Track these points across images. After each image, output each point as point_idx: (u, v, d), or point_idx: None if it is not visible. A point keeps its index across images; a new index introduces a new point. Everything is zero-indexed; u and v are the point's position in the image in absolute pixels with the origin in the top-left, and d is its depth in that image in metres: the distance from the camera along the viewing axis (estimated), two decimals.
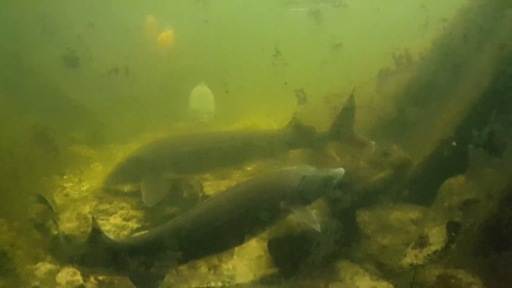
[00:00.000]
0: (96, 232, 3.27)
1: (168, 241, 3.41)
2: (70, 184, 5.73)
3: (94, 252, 3.27)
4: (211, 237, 3.53)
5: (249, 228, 3.66)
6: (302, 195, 3.80)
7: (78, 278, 3.26)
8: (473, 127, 3.77)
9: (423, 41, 5.14)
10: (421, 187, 4.36)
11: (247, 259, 4.44)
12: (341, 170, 4.09)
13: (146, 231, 3.76)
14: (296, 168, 4.16)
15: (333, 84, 5.67)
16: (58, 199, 5.21)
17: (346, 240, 4.20)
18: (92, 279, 3.25)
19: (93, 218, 3.30)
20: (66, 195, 5.32)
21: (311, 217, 3.66)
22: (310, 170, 4.00)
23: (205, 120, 7.69)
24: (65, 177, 6.02)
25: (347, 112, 4.78)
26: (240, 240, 3.71)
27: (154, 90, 8.79)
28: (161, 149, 5.59)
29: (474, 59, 4.28)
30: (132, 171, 5.32)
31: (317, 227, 3.56)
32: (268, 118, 8.07)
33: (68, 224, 4.57)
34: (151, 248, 3.44)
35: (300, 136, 5.27)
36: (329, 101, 5.01)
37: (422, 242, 3.30)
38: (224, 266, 4.17)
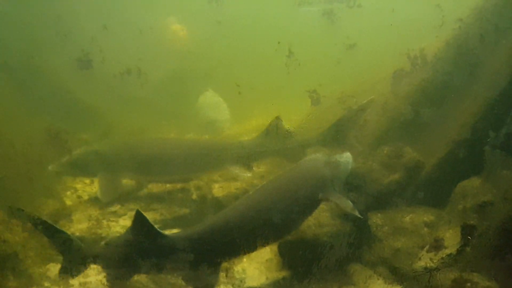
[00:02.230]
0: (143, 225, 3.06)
1: (222, 235, 3.35)
2: (81, 185, 5.77)
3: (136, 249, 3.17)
4: (260, 229, 3.50)
5: (293, 220, 3.69)
6: (333, 182, 3.88)
7: (91, 279, 3.26)
8: (488, 128, 3.70)
9: (435, 41, 5.08)
10: (434, 189, 4.29)
11: (257, 262, 4.41)
12: (348, 154, 4.20)
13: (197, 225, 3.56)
14: (319, 156, 4.24)
15: (347, 85, 5.63)
16: (69, 201, 5.24)
17: (358, 243, 4.15)
18: (104, 280, 3.22)
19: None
20: (79, 196, 5.35)
21: (349, 204, 3.74)
22: (333, 157, 4.11)
23: (224, 130, 7.52)
24: (76, 178, 6.07)
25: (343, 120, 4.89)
26: (287, 231, 3.73)
27: (165, 91, 8.81)
28: (123, 148, 5.49)
29: (489, 59, 4.21)
30: (88, 163, 5.19)
31: (357, 213, 3.65)
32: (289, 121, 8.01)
33: (78, 225, 4.59)
34: (206, 242, 3.33)
35: (273, 144, 5.30)
36: (343, 102, 4.97)
37: (437, 245, 3.23)
38: (235, 269, 4.14)
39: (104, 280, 3.23)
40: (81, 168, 5.24)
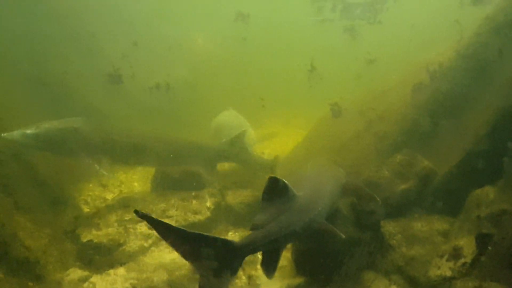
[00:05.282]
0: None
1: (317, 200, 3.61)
2: (97, 192, 5.90)
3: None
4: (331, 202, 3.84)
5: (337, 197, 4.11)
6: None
7: (117, 286, 3.32)
8: (502, 137, 3.74)
9: (443, 51, 5.16)
10: (447, 198, 4.32)
11: None
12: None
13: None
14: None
15: (367, 97, 5.75)
16: (86, 208, 5.36)
17: (371, 251, 4.17)
18: (130, 287, 3.28)
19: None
20: (96, 204, 5.45)
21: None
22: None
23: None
24: (90, 185, 6.21)
25: None
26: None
27: (187, 103, 8.98)
28: (102, 131, 5.43)
29: (503, 69, 4.27)
30: (64, 140, 4.97)
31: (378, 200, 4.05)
32: (302, 129, 8.16)
33: (96, 232, 4.68)
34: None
35: (234, 152, 5.97)
36: (364, 114, 5.08)
37: (456, 254, 3.25)
38: (256, 275, 4.18)
39: (130, 287, 3.28)
40: (54, 144, 4.95)
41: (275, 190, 3.16)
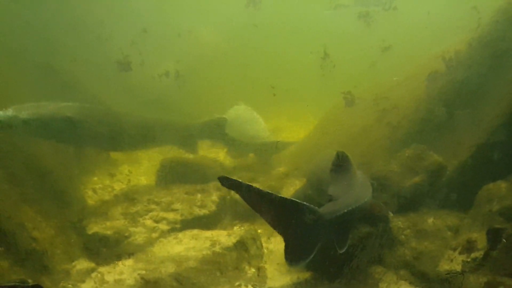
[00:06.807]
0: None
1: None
2: (100, 185, 5.90)
3: None
4: None
5: None
6: None
7: (125, 277, 3.30)
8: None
9: (459, 38, 5.04)
10: (460, 191, 4.25)
11: (276, 263, 4.42)
12: None
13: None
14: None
15: (382, 86, 5.65)
16: (91, 200, 5.36)
17: (379, 245, 4.12)
18: (138, 277, 3.26)
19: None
20: (100, 196, 5.45)
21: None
22: None
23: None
24: (95, 178, 6.22)
25: None
26: None
27: (193, 94, 8.93)
28: (97, 116, 5.24)
29: None
30: (61, 128, 4.82)
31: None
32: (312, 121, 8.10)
33: (103, 224, 4.67)
34: None
35: (212, 131, 6.23)
36: (377, 103, 4.99)
37: (470, 247, 3.20)
38: (266, 267, 4.16)
39: (139, 278, 3.26)
40: (49, 130, 4.79)
41: (342, 164, 3.37)
